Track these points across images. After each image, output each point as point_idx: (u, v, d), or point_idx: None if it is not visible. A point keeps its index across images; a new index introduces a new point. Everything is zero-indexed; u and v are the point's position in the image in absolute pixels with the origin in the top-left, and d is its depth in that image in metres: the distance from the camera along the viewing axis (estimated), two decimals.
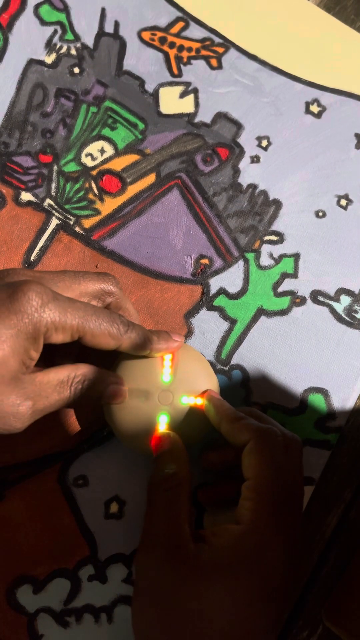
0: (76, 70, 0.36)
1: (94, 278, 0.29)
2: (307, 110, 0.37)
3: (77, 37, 0.36)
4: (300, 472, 0.29)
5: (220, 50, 0.37)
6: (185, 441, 0.29)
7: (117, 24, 0.37)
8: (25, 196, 0.35)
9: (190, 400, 0.30)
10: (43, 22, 0.36)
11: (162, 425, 0.29)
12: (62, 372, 0.27)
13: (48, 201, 0.35)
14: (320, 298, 0.36)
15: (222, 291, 0.35)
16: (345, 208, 0.36)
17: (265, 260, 0.36)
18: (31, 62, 0.36)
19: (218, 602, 0.24)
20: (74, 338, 0.27)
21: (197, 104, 0.37)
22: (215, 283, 0.35)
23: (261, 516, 0.26)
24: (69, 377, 0.27)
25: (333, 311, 0.36)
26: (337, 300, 0.36)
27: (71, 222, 0.35)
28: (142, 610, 0.26)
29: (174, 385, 0.29)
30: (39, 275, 0.28)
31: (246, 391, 0.34)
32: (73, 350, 0.30)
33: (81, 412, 0.32)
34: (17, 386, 0.25)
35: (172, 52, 0.37)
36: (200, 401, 0.30)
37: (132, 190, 0.35)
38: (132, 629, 0.26)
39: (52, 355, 0.30)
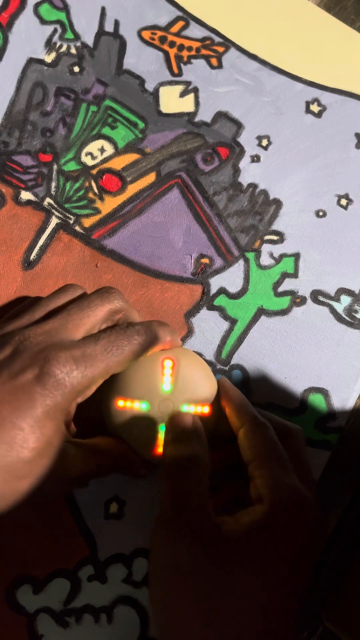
0: (76, 69, 0.36)
1: (99, 304, 0.29)
2: (308, 110, 0.37)
3: (77, 36, 0.36)
4: (304, 454, 0.29)
5: (221, 49, 0.37)
6: None
7: (117, 23, 0.37)
8: (25, 195, 0.35)
9: (191, 409, 0.29)
10: (43, 21, 0.36)
11: (162, 434, 0.29)
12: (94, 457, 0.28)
13: (48, 200, 0.35)
14: (321, 298, 0.36)
15: (222, 291, 0.35)
16: (345, 208, 0.36)
17: (265, 260, 0.36)
18: (31, 61, 0.36)
19: (250, 580, 0.24)
20: (106, 378, 0.27)
21: (197, 103, 0.37)
22: (215, 283, 0.35)
23: (281, 490, 0.26)
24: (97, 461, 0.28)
25: (333, 311, 0.35)
26: (338, 300, 0.36)
27: (71, 221, 0.35)
28: (171, 590, 0.25)
29: (174, 394, 0.29)
30: (48, 330, 0.27)
31: (246, 391, 0.34)
32: None
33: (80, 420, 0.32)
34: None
35: (172, 51, 0.37)
36: (200, 409, 0.29)
37: (132, 189, 0.35)
38: (150, 607, 0.25)
39: None
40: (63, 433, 0.26)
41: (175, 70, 0.37)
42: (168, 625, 0.25)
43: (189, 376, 0.29)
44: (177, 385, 0.29)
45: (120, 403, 0.29)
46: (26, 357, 0.25)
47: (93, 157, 0.35)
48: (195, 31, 0.37)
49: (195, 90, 0.37)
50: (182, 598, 0.24)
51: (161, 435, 0.29)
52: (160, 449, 0.29)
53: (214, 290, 0.35)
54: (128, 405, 0.29)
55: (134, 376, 0.29)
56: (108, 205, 0.35)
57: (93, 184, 0.35)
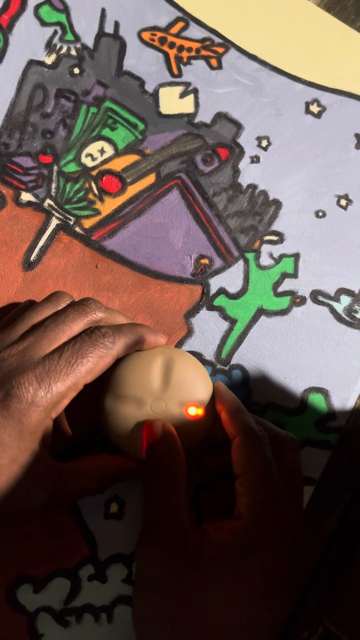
0: (76, 70, 0.36)
1: (76, 317, 0.28)
2: (307, 110, 0.37)
3: (77, 38, 0.37)
4: (296, 470, 0.28)
5: (220, 50, 0.37)
6: None
7: (117, 24, 0.37)
8: (26, 196, 0.35)
9: (186, 410, 0.29)
10: (43, 23, 0.36)
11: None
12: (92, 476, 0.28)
13: (48, 201, 0.35)
14: (320, 298, 0.36)
15: (222, 291, 0.35)
16: (345, 208, 0.36)
17: (265, 260, 0.36)
18: (31, 63, 0.36)
19: (220, 597, 0.24)
20: (79, 390, 0.27)
21: (197, 104, 0.37)
22: (215, 283, 0.35)
23: (259, 510, 0.26)
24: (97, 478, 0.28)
25: (333, 311, 0.36)
26: (337, 300, 0.36)
27: (71, 222, 0.35)
28: (145, 603, 0.25)
29: (168, 395, 0.29)
30: (22, 349, 0.27)
31: (246, 391, 0.34)
32: None
33: (74, 418, 0.32)
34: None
35: (172, 52, 0.37)
36: (193, 410, 0.29)
37: (132, 190, 0.36)
38: (133, 624, 0.26)
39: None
40: (32, 451, 0.26)
41: (175, 71, 0.37)
42: None
43: (183, 377, 0.29)
44: (171, 386, 0.29)
45: (114, 402, 0.29)
46: None
47: (93, 159, 0.36)
48: (195, 32, 0.37)
49: (195, 91, 0.37)
50: (154, 614, 0.25)
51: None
52: None
53: (213, 290, 0.35)
54: (121, 404, 0.29)
55: (128, 375, 0.29)
56: (108, 206, 0.35)
57: (93, 185, 0.35)
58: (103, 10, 0.37)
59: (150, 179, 0.36)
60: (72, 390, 0.27)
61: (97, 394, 0.29)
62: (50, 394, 0.26)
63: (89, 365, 0.27)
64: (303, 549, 0.27)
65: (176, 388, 0.29)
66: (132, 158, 0.36)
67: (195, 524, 0.27)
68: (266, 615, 0.25)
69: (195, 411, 0.29)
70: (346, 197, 0.37)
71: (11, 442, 0.25)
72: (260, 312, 0.35)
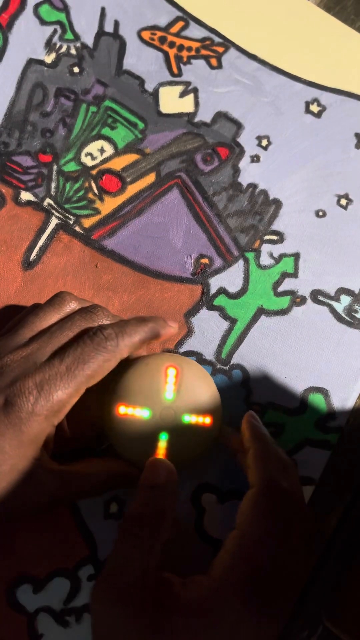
0: (76, 69, 0.36)
1: (82, 325, 0.28)
2: (307, 110, 0.37)
3: (76, 37, 0.36)
4: (311, 541, 0.27)
5: (220, 49, 0.37)
6: (184, 459, 0.29)
7: (117, 24, 0.37)
8: (25, 196, 0.35)
9: (192, 419, 0.29)
10: (43, 22, 0.36)
11: (163, 443, 0.29)
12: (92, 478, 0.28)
13: (48, 201, 0.35)
14: (321, 298, 0.36)
15: (222, 291, 0.35)
16: (345, 208, 0.36)
17: (265, 260, 0.36)
18: (31, 62, 0.36)
19: None
20: (81, 394, 0.27)
21: (197, 104, 0.37)
22: (215, 282, 0.35)
23: (232, 578, 0.24)
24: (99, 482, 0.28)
25: (333, 311, 0.35)
26: (337, 300, 0.36)
27: (71, 222, 0.35)
28: None
29: (176, 403, 0.29)
30: (26, 355, 0.26)
31: (246, 391, 0.34)
32: None
33: (77, 427, 0.31)
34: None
35: (172, 52, 0.37)
36: (201, 419, 0.29)
37: (132, 189, 0.35)
38: None
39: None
40: (33, 458, 0.26)
41: (175, 70, 0.37)
42: None
43: (192, 385, 0.29)
44: (179, 394, 0.29)
45: (122, 409, 0.29)
46: None
47: (93, 158, 0.35)
48: (195, 31, 0.37)
49: (195, 91, 0.37)
50: None
51: (161, 444, 0.29)
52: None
53: (213, 290, 0.35)
54: (129, 412, 0.29)
55: (136, 383, 0.29)
56: (108, 205, 0.35)
57: (93, 185, 0.35)
58: (103, 9, 0.37)
59: (150, 178, 0.36)
60: (73, 397, 0.26)
61: (98, 392, 0.29)
62: (51, 402, 0.25)
63: (91, 371, 0.26)
64: (274, 635, 0.24)
65: (185, 397, 0.29)
66: (132, 157, 0.36)
67: (194, 525, 0.26)
68: None
69: (203, 420, 0.29)
70: (346, 196, 0.37)
71: (11, 451, 0.25)
72: (261, 311, 0.35)
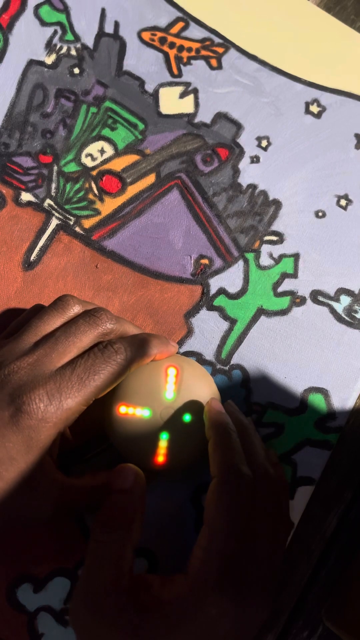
0: (76, 70, 0.36)
1: (87, 329, 0.28)
2: (307, 111, 0.37)
3: (77, 38, 0.37)
4: (280, 521, 0.27)
5: (220, 50, 0.37)
6: (184, 459, 0.29)
7: (117, 24, 0.37)
8: (25, 196, 0.35)
9: (193, 418, 0.29)
10: (43, 23, 0.37)
11: (163, 442, 0.29)
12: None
13: (48, 201, 0.35)
14: (320, 298, 0.36)
15: (222, 291, 0.35)
16: (345, 208, 0.36)
17: (265, 260, 0.36)
18: (31, 63, 0.36)
19: None
20: (89, 404, 0.27)
21: (197, 104, 0.37)
22: (215, 283, 0.35)
23: (207, 572, 0.24)
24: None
25: (333, 311, 0.36)
26: (337, 300, 0.36)
27: (71, 222, 0.35)
28: None
29: (177, 403, 0.29)
30: (32, 362, 0.26)
31: (246, 391, 0.34)
32: None
33: (77, 427, 0.31)
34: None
35: (172, 52, 0.37)
36: (202, 419, 0.29)
37: (132, 190, 0.36)
38: None
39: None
40: (39, 465, 0.26)
41: (175, 71, 0.37)
42: None
43: (192, 385, 0.29)
44: (180, 394, 0.29)
45: (122, 409, 0.29)
46: (5, 394, 0.26)
47: (93, 159, 0.36)
48: (195, 32, 0.37)
49: (195, 91, 0.37)
50: None
51: (162, 444, 0.29)
52: (160, 458, 0.29)
53: (213, 290, 0.35)
54: (130, 411, 0.29)
55: (136, 383, 0.29)
56: (108, 206, 0.35)
57: (93, 185, 0.35)
58: (103, 10, 0.37)
59: (150, 179, 0.36)
60: (82, 406, 0.27)
61: (104, 401, 0.29)
62: (61, 410, 0.25)
63: (101, 382, 0.27)
64: (254, 623, 0.25)
65: (185, 396, 0.29)
66: (132, 158, 0.36)
67: (193, 527, 0.26)
68: None
69: (203, 419, 0.29)
70: (346, 197, 0.37)
71: (19, 457, 0.25)
72: (260, 312, 0.35)
